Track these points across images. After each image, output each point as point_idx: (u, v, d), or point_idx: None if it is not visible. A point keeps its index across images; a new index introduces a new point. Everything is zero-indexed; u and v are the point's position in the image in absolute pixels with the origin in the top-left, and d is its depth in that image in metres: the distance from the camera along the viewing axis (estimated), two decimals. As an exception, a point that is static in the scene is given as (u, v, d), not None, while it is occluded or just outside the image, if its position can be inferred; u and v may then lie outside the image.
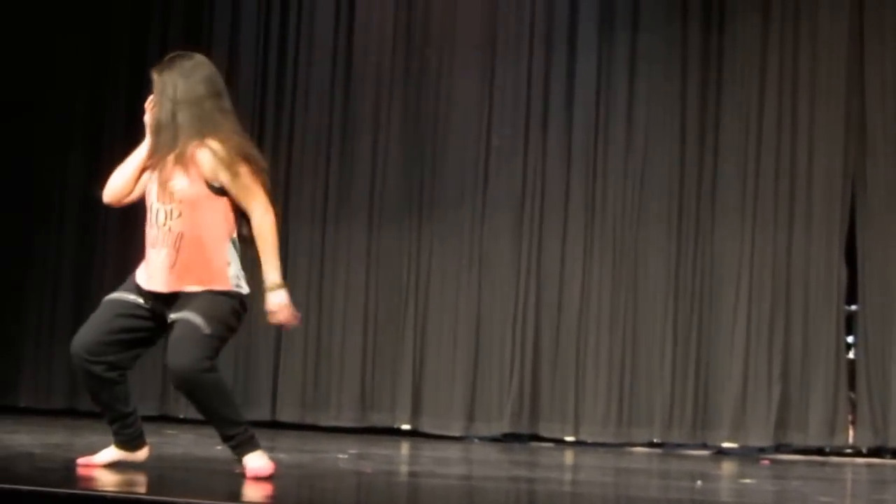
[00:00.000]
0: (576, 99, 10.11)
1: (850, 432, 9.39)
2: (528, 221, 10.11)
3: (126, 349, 5.47)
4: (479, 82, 10.31)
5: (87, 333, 5.48)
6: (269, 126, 10.74)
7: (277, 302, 5.38)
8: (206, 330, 5.29)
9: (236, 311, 5.41)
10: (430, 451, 8.51)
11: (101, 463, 5.57)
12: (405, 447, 8.95)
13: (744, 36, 9.79)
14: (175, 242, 5.36)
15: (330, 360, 10.38)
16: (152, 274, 5.42)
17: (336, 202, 10.48)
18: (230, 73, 10.83)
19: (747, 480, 7.17)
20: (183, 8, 11.01)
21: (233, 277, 5.40)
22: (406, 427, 10.13)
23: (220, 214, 5.40)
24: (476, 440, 9.97)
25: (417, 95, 10.46)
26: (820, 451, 9.46)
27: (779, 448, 9.46)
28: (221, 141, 5.36)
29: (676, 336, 9.69)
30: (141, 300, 5.46)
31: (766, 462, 8.90)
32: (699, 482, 6.83)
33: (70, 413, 10.58)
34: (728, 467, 8.30)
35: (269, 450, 7.64)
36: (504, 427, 9.89)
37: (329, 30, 10.68)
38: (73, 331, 10.72)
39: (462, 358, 10.08)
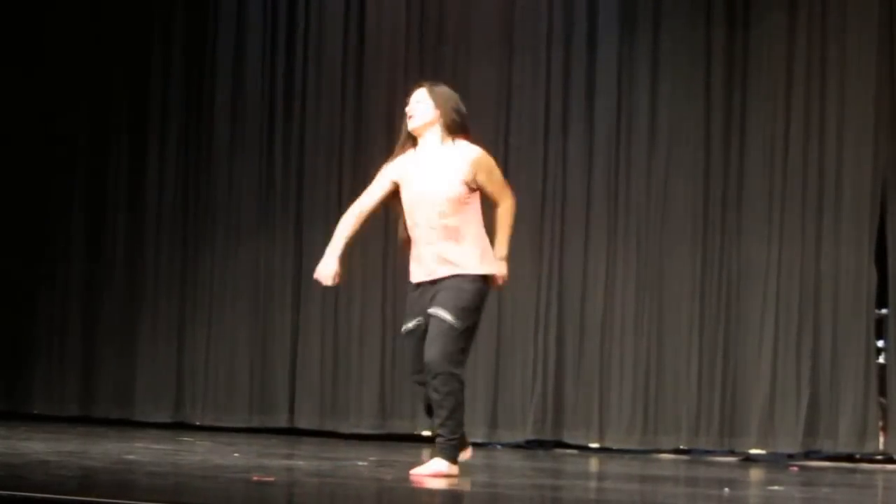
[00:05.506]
0: (596, 99, 9.97)
1: (881, 438, 9.30)
2: (549, 224, 9.98)
3: None
4: (497, 81, 10.18)
5: None
6: (279, 130, 10.62)
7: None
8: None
9: None
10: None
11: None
12: (426, 454, 8.81)
13: (769, 31, 9.63)
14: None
15: (349, 367, 10.30)
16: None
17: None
18: (237, 75, 10.78)
19: (776, 487, 7.14)
20: (187, 3, 10.92)
21: None
22: (427, 433, 10.00)
23: None
24: (499, 447, 9.86)
25: (433, 96, 10.32)
26: (850, 458, 9.36)
27: (808, 455, 9.36)
28: None
29: (703, 340, 9.56)
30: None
31: (795, 469, 8.79)
32: (727, 489, 6.78)
33: (84, 420, 10.60)
34: (756, 474, 8.24)
35: (288, 457, 7.58)
36: (527, 433, 9.80)
37: (339, 29, 10.56)
38: (85, 339, 10.91)
39: (484, 363, 9.94)
